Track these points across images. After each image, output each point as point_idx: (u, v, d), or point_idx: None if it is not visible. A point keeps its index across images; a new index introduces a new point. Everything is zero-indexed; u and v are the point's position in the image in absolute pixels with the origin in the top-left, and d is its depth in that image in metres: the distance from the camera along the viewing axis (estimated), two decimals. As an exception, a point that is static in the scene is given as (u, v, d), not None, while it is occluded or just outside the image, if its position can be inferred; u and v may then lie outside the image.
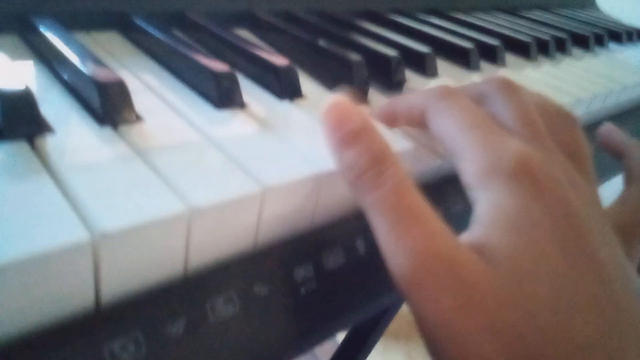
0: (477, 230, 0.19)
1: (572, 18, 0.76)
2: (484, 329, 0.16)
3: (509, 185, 0.19)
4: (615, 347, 0.16)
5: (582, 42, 0.61)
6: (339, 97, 0.21)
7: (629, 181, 0.26)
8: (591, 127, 0.45)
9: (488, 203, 0.19)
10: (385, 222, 0.18)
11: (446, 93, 0.23)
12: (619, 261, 0.19)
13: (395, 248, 0.18)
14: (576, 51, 0.59)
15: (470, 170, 0.20)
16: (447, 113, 0.22)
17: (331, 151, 0.21)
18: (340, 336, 1.33)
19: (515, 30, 0.57)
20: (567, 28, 0.64)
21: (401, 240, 0.18)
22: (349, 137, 0.20)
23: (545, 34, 0.57)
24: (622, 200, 0.25)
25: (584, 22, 0.73)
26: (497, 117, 0.22)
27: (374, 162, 0.19)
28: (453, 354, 0.17)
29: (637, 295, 0.18)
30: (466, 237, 0.19)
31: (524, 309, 0.16)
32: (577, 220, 0.18)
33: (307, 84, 0.32)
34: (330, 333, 0.23)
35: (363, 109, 0.21)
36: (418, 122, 0.24)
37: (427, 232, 0.18)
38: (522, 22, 0.65)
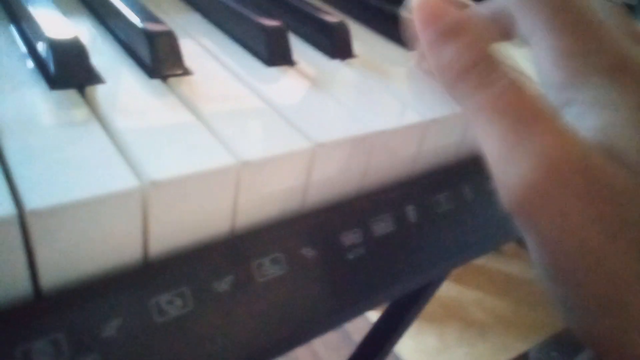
0: (596, 134, 0.16)
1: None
2: (632, 246, 0.14)
3: (610, 89, 0.16)
4: None
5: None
6: None
7: None
8: None
9: (587, 111, 0.16)
10: (500, 125, 0.15)
11: None
12: None
13: (514, 154, 0.15)
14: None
15: (555, 74, 0.17)
16: None
17: (427, 47, 0.18)
18: (373, 315, 1.34)
19: None
20: None
21: (522, 143, 0.15)
22: (450, 29, 0.17)
23: None
24: None
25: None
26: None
27: (481, 58, 0.16)
28: (593, 278, 0.14)
29: None
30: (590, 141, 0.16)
31: None
32: None
33: (358, 43, 0.30)
34: (374, 302, 0.22)
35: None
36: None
37: (555, 130, 0.15)
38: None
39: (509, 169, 0.15)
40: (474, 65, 0.16)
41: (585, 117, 0.16)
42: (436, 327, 1.41)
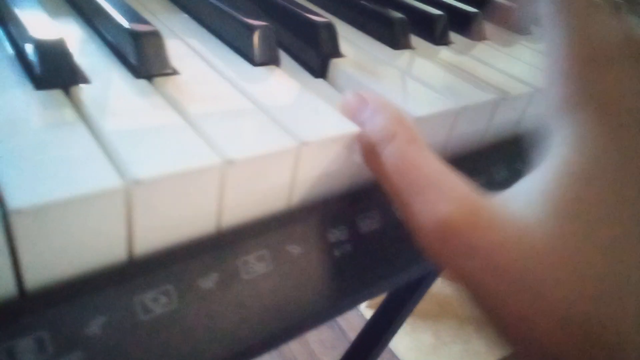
0: (539, 174, 0.17)
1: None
2: (513, 288, 0.15)
3: (591, 122, 0.16)
4: None
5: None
6: (352, 94, 0.22)
7: None
8: None
9: (561, 136, 0.17)
10: (399, 197, 0.18)
11: None
12: None
13: (410, 220, 0.18)
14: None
15: (552, 97, 0.18)
16: None
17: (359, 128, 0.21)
18: (369, 313, 1.34)
19: None
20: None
21: (413, 211, 0.17)
22: (360, 124, 0.21)
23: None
24: None
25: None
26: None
27: (389, 136, 0.19)
28: (486, 311, 0.16)
29: None
30: (517, 186, 0.17)
31: (571, 270, 0.15)
32: None
33: (346, 44, 0.30)
34: (362, 298, 0.22)
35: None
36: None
37: (438, 195, 0.17)
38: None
39: (411, 220, 0.18)
40: (370, 150, 0.20)
41: (558, 152, 0.17)
42: (431, 324, 1.42)
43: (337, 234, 0.21)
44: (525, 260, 0.15)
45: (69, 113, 0.18)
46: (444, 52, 0.33)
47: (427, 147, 0.19)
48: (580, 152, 0.16)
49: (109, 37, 0.24)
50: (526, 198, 0.16)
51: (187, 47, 0.25)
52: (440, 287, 1.49)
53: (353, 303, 0.22)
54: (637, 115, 0.16)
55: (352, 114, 0.21)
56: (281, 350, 1.29)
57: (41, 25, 0.20)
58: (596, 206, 0.15)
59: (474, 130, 0.27)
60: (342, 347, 1.23)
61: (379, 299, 0.76)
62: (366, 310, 1.41)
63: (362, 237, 0.22)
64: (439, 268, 0.17)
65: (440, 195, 0.17)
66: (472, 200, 0.16)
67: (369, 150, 0.20)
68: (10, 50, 0.21)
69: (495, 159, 0.29)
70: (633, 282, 0.15)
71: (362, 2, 0.34)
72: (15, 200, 0.13)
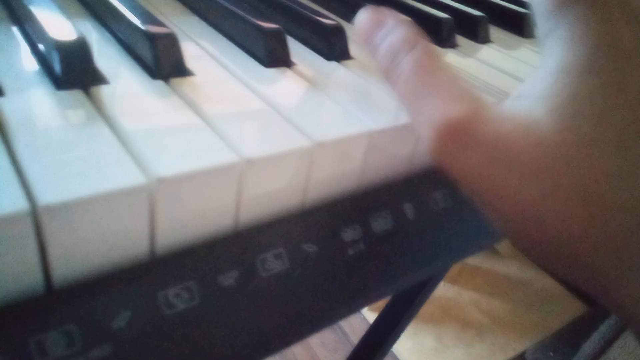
0: (538, 77, 0.17)
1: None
2: (527, 175, 0.15)
3: (583, 19, 0.16)
4: None
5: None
6: (367, 10, 0.22)
7: None
8: None
9: (556, 39, 0.17)
10: (407, 108, 0.19)
11: None
12: None
13: (418, 129, 0.18)
14: None
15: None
16: None
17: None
18: (371, 316, 1.34)
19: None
20: None
21: (419, 119, 0.18)
22: (376, 40, 0.21)
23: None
24: None
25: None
26: None
27: (392, 57, 0.20)
28: (501, 206, 0.16)
29: None
30: (519, 88, 0.18)
31: (580, 157, 0.15)
32: None
33: (355, 46, 0.31)
34: (374, 297, 0.23)
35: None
36: None
37: (440, 100, 0.17)
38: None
39: (421, 135, 0.18)
40: (388, 64, 0.20)
41: (552, 52, 0.17)
42: (434, 327, 1.42)
43: (350, 233, 0.21)
44: (535, 148, 0.15)
45: (90, 112, 0.18)
46: (450, 54, 0.34)
47: (442, 59, 0.19)
48: (573, 50, 0.16)
49: (125, 39, 0.24)
50: (528, 100, 0.16)
51: (201, 49, 0.26)
52: (443, 292, 1.50)
53: (366, 302, 0.22)
54: (626, 8, 0.16)
55: (369, 33, 0.21)
56: (283, 353, 1.29)
57: (59, 26, 0.20)
58: (593, 101, 0.15)
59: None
60: (345, 350, 1.23)
61: (382, 302, 0.76)
62: (368, 313, 1.41)
63: (375, 236, 0.22)
64: (448, 178, 0.18)
65: (453, 96, 0.17)
66: (482, 100, 0.17)
67: (389, 61, 0.20)
68: (28, 50, 0.21)
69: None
70: None
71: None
72: (44, 196, 0.14)
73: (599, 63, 0.15)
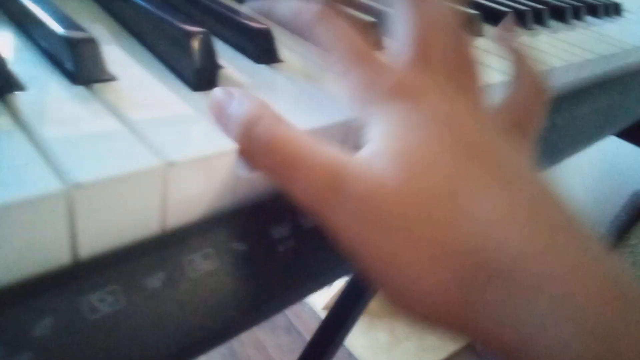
0: (371, 144, 0.20)
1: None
2: (380, 231, 0.18)
3: (390, 105, 0.20)
4: (523, 216, 0.17)
5: (560, 14, 0.61)
6: (217, 90, 0.22)
7: (515, 78, 0.27)
8: (566, 96, 0.46)
9: (374, 123, 0.21)
10: (277, 182, 0.20)
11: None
12: (509, 149, 0.20)
13: (294, 198, 0.19)
14: (553, 23, 0.60)
15: (355, 97, 0.22)
16: (333, 37, 0.24)
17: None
18: (324, 313, 1.35)
19: (494, 0, 0.57)
20: (547, 0, 0.65)
21: (292, 190, 0.19)
22: (225, 122, 0.21)
23: (523, 5, 0.57)
24: (511, 97, 0.26)
25: (562, -5, 0.74)
26: (394, 29, 0.24)
27: (243, 132, 0.20)
28: (366, 261, 0.18)
29: (534, 178, 0.19)
30: (361, 152, 0.20)
31: (421, 201, 0.17)
32: (459, 118, 0.20)
33: (285, 49, 0.31)
34: (307, 291, 0.23)
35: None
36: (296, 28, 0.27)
37: (305, 171, 0.19)
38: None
39: (296, 200, 0.20)
40: (244, 144, 0.20)
41: (374, 128, 0.21)
42: (386, 322, 1.45)
43: (280, 230, 0.22)
44: (385, 203, 0.18)
45: (4, 120, 0.18)
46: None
47: (292, 126, 0.20)
48: (388, 124, 0.20)
49: (44, 44, 0.24)
50: (376, 159, 0.19)
51: (124, 52, 0.26)
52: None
53: (299, 296, 0.23)
54: (419, 92, 0.21)
55: (220, 109, 0.21)
56: (238, 356, 1.28)
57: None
58: (414, 156, 0.19)
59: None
60: (300, 351, 1.23)
61: (334, 300, 0.77)
62: (323, 312, 1.43)
63: (304, 232, 0.23)
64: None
65: (310, 169, 0.19)
66: (342, 156, 0.19)
67: (244, 142, 0.20)
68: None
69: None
70: (479, 199, 0.17)
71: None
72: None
73: (409, 129, 0.20)
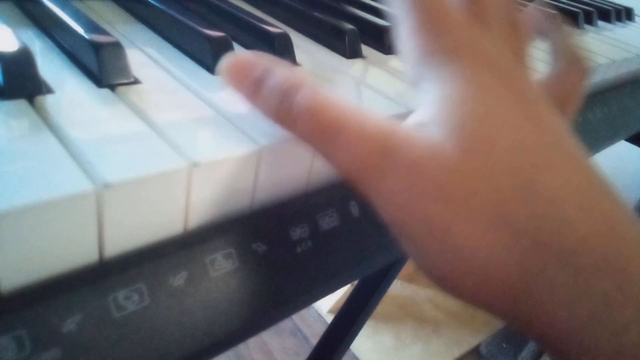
0: (424, 109, 0.19)
1: (561, -3, 0.76)
2: (437, 200, 0.16)
3: (451, 66, 0.19)
4: (585, 195, 0.17)
5: (572, 19, 0.61)
6: (232, 55, 0.21)
7: (556, 56, 0.27)
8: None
9: (428, 86, 0.19)
10: (318, 145, 0.19)
11: None
12: (566, 128, 0.19)
13: (333, 161, 0.18)
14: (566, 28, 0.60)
15: (409, 47, 0.20)
16: None
17: (248, 100, 0.21)
18: (331, 318, 1.35)
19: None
20: (558, 4, 0.65)
21: (334, 153, 0.18)
22: (253, 85, 0.20)
23: (535, 11, 0.58)
24: (553, 76, 0.25)
25: None
26: None
27: (281, 97, 0.19)
28: (418, 230, 0.17)
29: (586, 156, 0.18)
30: (412, 119, 0.19)
31: (482, 173, 0.17)
32: (527, 92, 0.19)
33: (301, 53, 0.32)
34: (323, 292, 0.24)
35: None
36: None
37: (349, 132, 0.18)
38: None
39: (336, 170, 0.19)
40: (279, 108, 0.19)
41: (430, 90, 0.19)
42: (392, 326, 1.44)
43: (298, 232, 0.22)
44: (443, 171, 0.17)
45: (34, 122, 0.18)
46: (393, 61, 0.35)
47: (322, 90, 0.19)
48: (448, 86, 0.19)
49: (69, 48, 0.24)
50: (427, 127, 0.18)
51: (147, 56, 0.26)
52: (400, 290, 1.53)
53: (315, 297, 0.23)
54: (481, 58, 0.19)
55: (242, 76, 0.20)
56: (243, 359, 1.28)
57: (2, 36, 0.20)
58: (476, 127, 0.17)
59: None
60: (305, 354, 1.23)
61: (341, 303, 0.77)
62: (328, 315, 1.43)
63: (322, 233, 0.23)
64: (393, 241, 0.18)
65: (357, 134, 0.18)
66: (391, 124, 0.18)
67: (277, 107, 0.19)
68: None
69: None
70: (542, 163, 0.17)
71: (313, 14, 0.36)
72: (-11, 205, 0.14)
73: (474, 95, 0.18)
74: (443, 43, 0.19)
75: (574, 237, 0.16)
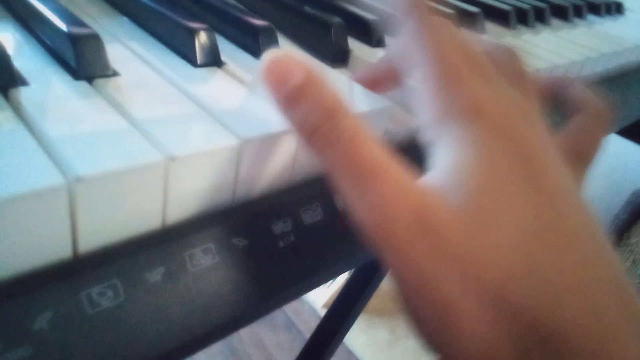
0: (437, 175, 0.19)
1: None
2: (453, 272, 0.16)
3: (466, 128, 0.19)
4: (589, 278, 0.17)
5: (561, 12, 0.61)
6: (277, 52, 0.19)
7: (572, 111, 0.26)
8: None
9: (445, 147, 0.19)
10: (345, 180, 0.18)
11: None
12: (572, 190, 0.19)
13: (358, 205, 0.17)
14: (555, 21, 0.59)
15: (426, 115, 0.20)
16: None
17: (279, 111, 0.19)
18: (324, 311, 1.35)
19: None
20: (547, -1, 0.65)
21: (363, 197, 0.17)
22: (294, 94, 0.19)
23: (525, 3, 0.57)
24: (570, 130, 0.25)
25: (564, -6, 0.74)
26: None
27: (324, 118, 0.18)
28: (426, 302, 0.17)
29: (593, 221, 0.18)
30: (434, 180, 0.19)
31: (490, 249, 0.17)
32: (535, 156, 0.19)
33: (286, 45, 0.31)
34: (307, 287, 0.23)
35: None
36: (396, 80, 0.25)
37: (387, 185, 0.17)
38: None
39: (359, 215, 0.18)
40: (320, 126, 0.18)
41: (449, 151, 0.19)
42: (386, 320, 1.45)
43: (281, 226, 0.22)
44: (459, 246, 0.17)
45: (7, 115, 0.18)
46: (380, 53, 0.35)
47: (367, 127, 0.18)
48: (465, 153, 0.18)
49: (47, 40, 0.24)
50: (449, 194, 0.18)
51: (128, 49, 0.26)
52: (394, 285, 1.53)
53: (299, 291, 0.23)
54: (497, 117, 0.19)
55: (281, 82, 0.19)
56: (238, 354, 1.28)
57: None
58: (488, 198, 0.17)
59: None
60: (300, 349, 1.24)
61: (334, 298, 0.77)
62: (323, 310, 1.43)
63: (305, 227, 0.23)
64: (378, 260, 0.18)
65: (395, 189, 0.17)
66: (419, 192, 0.17)
67: (314, 126, 0.18)
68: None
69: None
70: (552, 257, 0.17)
71: (298, 7, 0.35)
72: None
73: (484, 167, 0.18)
74: (459, 106, 0.19)
75: (561, 319, 0.16)
